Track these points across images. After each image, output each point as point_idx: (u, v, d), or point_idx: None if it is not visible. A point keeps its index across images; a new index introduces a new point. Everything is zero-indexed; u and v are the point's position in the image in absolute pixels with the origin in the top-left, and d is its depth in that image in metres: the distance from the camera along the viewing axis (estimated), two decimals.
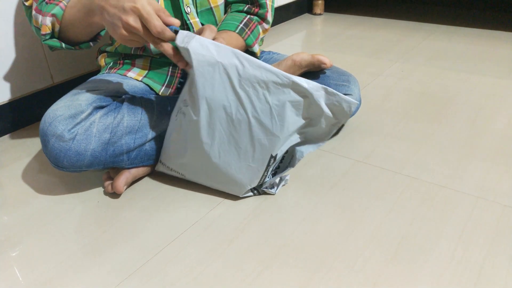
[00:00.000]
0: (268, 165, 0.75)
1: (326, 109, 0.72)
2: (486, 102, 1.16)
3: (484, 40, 1.66)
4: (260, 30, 0.97)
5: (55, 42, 0.81)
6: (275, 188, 0.82)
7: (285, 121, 0.71)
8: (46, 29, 0.79)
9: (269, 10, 0.98)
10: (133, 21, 0.65)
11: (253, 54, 0.98)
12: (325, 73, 0.98)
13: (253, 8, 0.97)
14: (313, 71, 0.98)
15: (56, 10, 0.77)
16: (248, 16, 0.95)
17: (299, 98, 0.71)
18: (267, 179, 0.79)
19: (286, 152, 0.79)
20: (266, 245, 0.70)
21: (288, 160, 0.80)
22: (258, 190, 0.81)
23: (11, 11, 1.03)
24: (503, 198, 0.79)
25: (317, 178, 0.86)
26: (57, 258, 0.69)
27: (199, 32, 0.72)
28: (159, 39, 0.67)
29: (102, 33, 0.84)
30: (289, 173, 0.83)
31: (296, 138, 0.77)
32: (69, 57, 1.19)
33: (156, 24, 0.64)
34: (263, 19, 0.98)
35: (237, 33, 0.92)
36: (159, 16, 0.65)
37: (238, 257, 0.68)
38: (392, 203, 0.78)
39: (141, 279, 0.65)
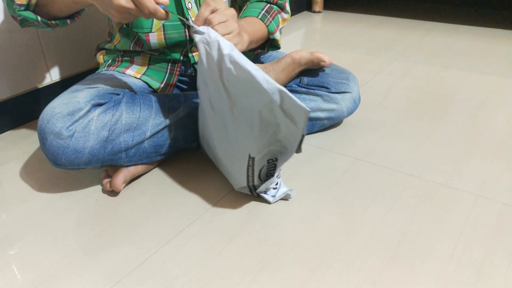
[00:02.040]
0: (249, 165, 0.72)
1: (279, 114, 0.65)
2: (486, 99, 1.16)
3: (484, 38, 1.66)
4: (280, 19, 0.98)
5: (30, 14, 0.78)
6: (273, 198, 0.78)
7: (253, 122, 0.67)
8: (23, 0, 0.77)
9: (287, 0, 1.00)
10: (125, 2, 0.65)
11: (274, 41, 0.98)
12: (324, 71, 0.98)
13: None
14: (312, 69, 0.98)
15: None
16: (269, 4, 0.96)
17: (265, 101, 0.64)
18: (257, 182, 0.76)
19: (272, 163, 0.73)
20: (265, 243, 0.70)
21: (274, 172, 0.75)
22: (253, 192, 0.78)
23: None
24: (503, 196, 0.79)
25: (316, 176, 0.86)
26: (56, 256, 0.69)
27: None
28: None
29: (82, 12, 0.83)
30: (293, 188, 0.81)
31: (273, 145, 0.70)
32: (68, 55, 1.18)
33: (149, 6, 0.65)
34: (282, 8, 0.99)
35: (260, 19, 0.92)
36: None
37: (237, 255, 0.68)
38: (392, 201, 0.78)
39: (140, 277, 0.64)
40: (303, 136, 0.66)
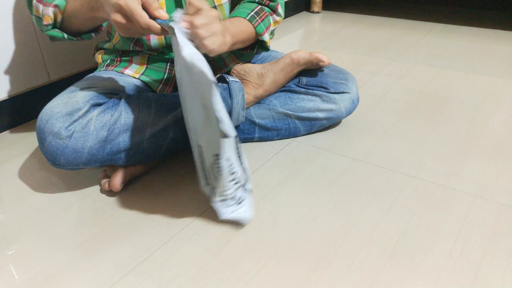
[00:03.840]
0: (199, 155, 0.69)
1: (202, 91, 0.64)
2: (484, 100, 1.16)
3: (482, 39, 1.66)
4: (271, 21, 0.98)
5: (57, 32, 0.80)
6: (229, 213, 0.72)
7: (196, 108, 0.66)
8: (49, 20, 0.78)
9: (280, 3, 0.99)
10: (120, 18, 0.64)
11: (263, 42, 0.98)
12: (323, 71, 0.98)
13: (265, 0, 0.97)
14: (311, 69, 0.98)
15: (59, 1, 0.77)
16: (260, 6, 0.96)
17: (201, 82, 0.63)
18: (213, 181, 0.70)
19: (217, 158, 0.69)
20: (263, 244, 0.70)
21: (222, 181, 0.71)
22: (211, 197, 0.73)
23: (7, 8, 1.02)
24: (501, 196, 0.79)
25: (315, 176, 0.86)
26: (54, 256, 0.69)
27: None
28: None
29: (104, 24, 0.84)
30: (249, 217, 0.74)
31: (209, 133, 0.68)
32: (66, 54, 1.18)
33: (140, 21, 0.64)
34: (274, 11, 0.99)
35: (248, 19, 0.92)
36: (147, 8, 0.65)
37: (236, 256, 0.68)
38: (389, 202, 0.78)
39: (137, 278, 0.64)
40: (217, 110, 0.62)
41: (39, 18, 0.79)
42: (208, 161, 0.70)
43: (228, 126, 0.64)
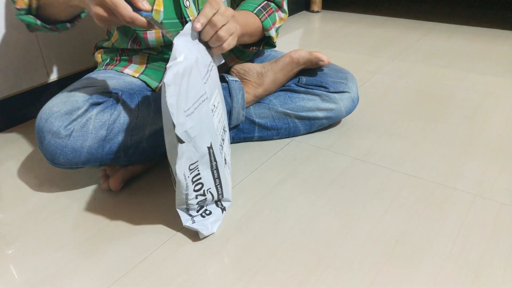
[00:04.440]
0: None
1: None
2: (483, 100, 1.16)
3: (482, 38, 1.66)
4: (277, 18, 0.97)
5: (29, 18, 0.78)
6: (191, 222, 0.70)
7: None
8: (22, 4, 0.76)
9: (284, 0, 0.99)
10: (102, 11, 0.63)
11: (270, 38, 0.97)
12: (322, 70, 0.98)
13: None
14: (311, 69, 0.98)
15: None
16: (266, 1, 0.96)
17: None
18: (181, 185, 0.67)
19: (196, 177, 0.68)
20: (263, 244, 0.70)
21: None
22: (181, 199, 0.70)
23: (6, 8, 1.02)
24: (501, 196, 0.79)
25: (314, 176, 0.86)
26: (53, 256, 0.69)
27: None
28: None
29: (82, 15, 0.83)
30: (210, 231, 0.71)
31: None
32: (66, 54, 1.18)
33: (124, 14, 0.62)
34: (280, 7, 0.98)
35: (255, 13, 0.91)
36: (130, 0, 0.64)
37: (235, 256, 0.68)
38: (389, 201, 0.78)
39: (136, 278, 0.64)
40: (171, 113, 0.60)
41: (14, 2, 0.78)
42: (172, 167, 0.68)
43: (181, 130, 0.62)
